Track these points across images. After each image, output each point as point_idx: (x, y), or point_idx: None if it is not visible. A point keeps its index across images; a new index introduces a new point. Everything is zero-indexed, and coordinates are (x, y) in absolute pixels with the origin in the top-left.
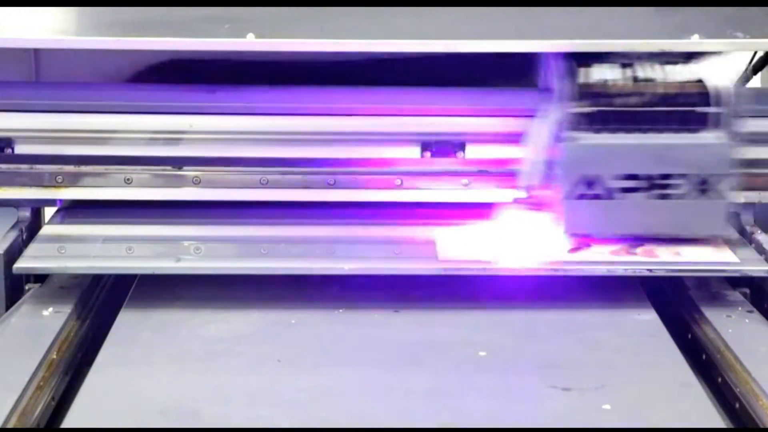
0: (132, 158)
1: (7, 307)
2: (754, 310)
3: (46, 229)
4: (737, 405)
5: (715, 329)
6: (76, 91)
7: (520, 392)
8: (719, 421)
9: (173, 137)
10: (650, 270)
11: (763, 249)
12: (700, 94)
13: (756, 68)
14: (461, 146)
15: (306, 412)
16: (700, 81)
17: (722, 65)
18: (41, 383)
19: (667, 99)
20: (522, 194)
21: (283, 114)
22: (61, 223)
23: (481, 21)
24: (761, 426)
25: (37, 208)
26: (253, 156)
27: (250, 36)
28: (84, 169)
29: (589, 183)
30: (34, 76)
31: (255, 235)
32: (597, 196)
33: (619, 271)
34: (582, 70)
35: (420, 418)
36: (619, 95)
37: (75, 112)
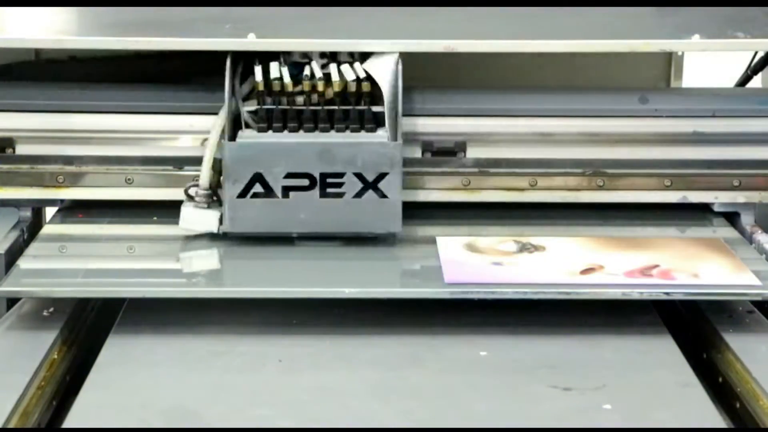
0: (133, 158)
1: (8, 307)
2: (755, 310)
3: (47, 229)
4: (737, 405)
5: (715, 329)
6: (77, 91)
7: (520, 392)
8: (720, 421)
9: (174, 137)
10: (667, 294)
11: (764, 249)
12: (368, 93)
13: (756, 68)
14: (462, 146)
15: (306, 412)
16: (369, 80)
17: (389, 66)
18: (42, 383)
19: (334, 98)
20: (195, 192)
21: None
22: (62, 222)
23: (481, 20)
24: (761, 426)
25: (38, 208)
26: None
27: (251, 36)
28: (85, 169)
29: (253, 181)
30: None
31: None
32: (263, 195)
33: (635, 294)
34: (255, 69)
35: (420, 418)
36: (287, 94)
37: (76, 112)
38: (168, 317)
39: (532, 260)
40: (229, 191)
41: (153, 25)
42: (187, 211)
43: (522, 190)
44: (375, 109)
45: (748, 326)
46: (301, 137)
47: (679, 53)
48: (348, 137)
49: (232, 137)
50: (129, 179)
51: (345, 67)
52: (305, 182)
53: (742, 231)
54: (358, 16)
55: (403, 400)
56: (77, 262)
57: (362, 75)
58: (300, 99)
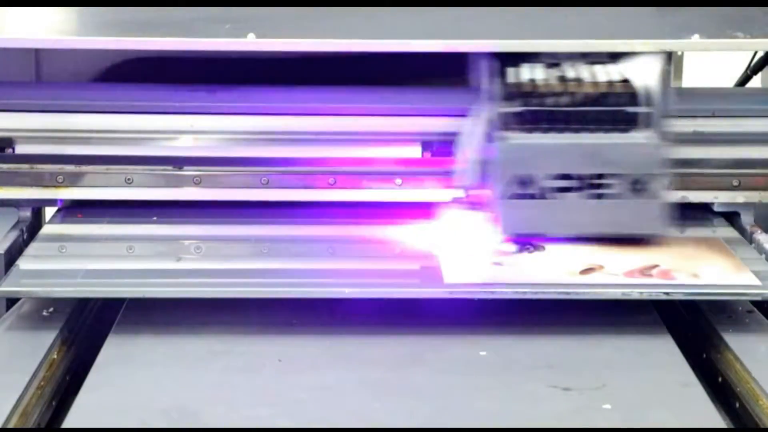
0: (133, 158)
1: (8, 307)
2: (755, 309)
3: (46, 229)
4: (737, 405)
5: (715, 329)
6: (76, 91)
7: (520, 392)
8: (719, 421)
9: (174, 137)
10: (667, 294)
11: (763, 249)
12: (629, 94)
13: (756, 68)
14: None
15: (306, 412)
16: (627, 81)
17: (648, 65)
18: (42, 383)
19: (595, 99)
20: (460, 194)
21: (283, 114)
22: (62, 222)
23: (478, 21)
24: (761, 426)
25: (37, 208)
26: (254, 156)
27: (251, 36)
28: (84, 168)
29: (523, 183)
30: (35, 76)
31: (255, 234)
32: (532, 196)
33: (635, 294)
34: (510, 70)
35: (420, 418)
36: (548, 95)
37: (75, 112)
38: (168, 317)
39: (532, 260)
40: (499, 193)
41: (153, 25)
42: (454, 213)
43: None
44: (635, 109)
45: (747, 326)
46: (569, 138)
47: (679, 53)
48: (615, 138)
49: (491, 139)
50: (129, 179)
51: (599, 68)
52: (572, 183)
53: (741, 231)
54: (358, 16)
55: (403, 399)
56: (77, 262)
57: (617, 76)
58: (550, 100)
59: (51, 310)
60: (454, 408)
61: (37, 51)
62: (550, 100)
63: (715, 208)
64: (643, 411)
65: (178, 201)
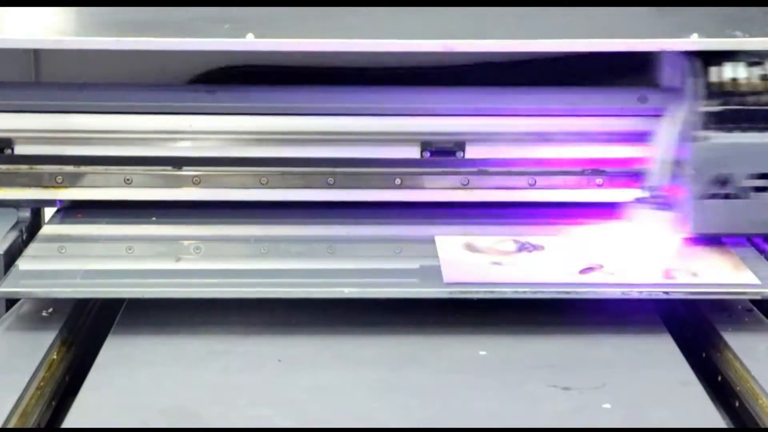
0: (132, 158)
1: (8, 308)
2: (754, 308)
3: (45, 229)
4: (737, 404)
5: (714, 328)
6: (75, 92)
7: (520, 392)
8: (719, 421)
9: (173, 137)
10: (667, 293)
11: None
12: None
13: None
14: (461, 146)
15: (306, 412)
16: None
17: None
18: (42, 383)
19: None
20: (646, 194)
21: (282, 114)
22: (61, 223)
23: (481, 20)
24: (761, 425)
25: (37, 208)
26: (253, 156)
27: (250, 36)
28: (84, 169)
29: (721, 182)
30: (34, 77)
31: (255, 234)
32: (726, 196)
33: (634, 294)
34: (711, 69)
35: (420, 418)
36: (750, 94)
37: (75, 112)
38: (168, 317)
39: (531, 260)
40: (693, 192)
41: (153, 25)
42: (640, 212)
43: (521, 189)
44: None
45: (747, 325)
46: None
47: None
48: None
49: (688, 138)
50: (128, 179)
51: None
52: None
53: None
54: (358, 15)
55: (403, 399)
56: (76, 262)
57: None
58: (751, 99)
59: (50, 310)
60: (454, 408)
61: (36, 51)
62: (751, 99)
63: None
64: (643, 410)
65: (177, 201)
